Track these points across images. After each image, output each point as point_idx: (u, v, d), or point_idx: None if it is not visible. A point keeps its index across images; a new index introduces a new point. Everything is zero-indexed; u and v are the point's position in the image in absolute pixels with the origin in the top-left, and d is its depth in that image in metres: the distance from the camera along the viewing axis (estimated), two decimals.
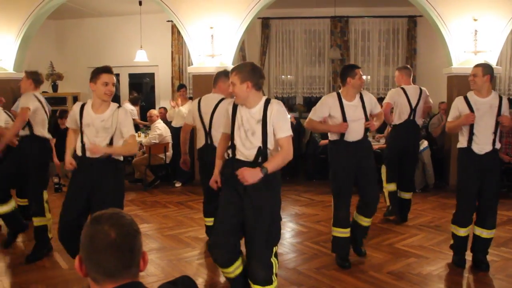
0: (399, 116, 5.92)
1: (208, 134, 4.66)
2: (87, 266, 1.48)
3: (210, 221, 4.66)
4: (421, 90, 5.95)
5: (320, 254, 4.87)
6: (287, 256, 4.84)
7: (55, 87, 10.95)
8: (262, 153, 3.28)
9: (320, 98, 10.16)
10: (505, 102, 4.32)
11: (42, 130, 4.87)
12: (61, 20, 11.17)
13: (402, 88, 5.92)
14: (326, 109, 4.48)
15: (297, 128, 9.06)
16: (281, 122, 3.26)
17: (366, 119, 4.49)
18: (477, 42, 7.10)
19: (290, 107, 10.29)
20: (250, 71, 3.27)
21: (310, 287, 4.10)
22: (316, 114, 4.54)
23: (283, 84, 10.45)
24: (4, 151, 5.33)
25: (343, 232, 4.47)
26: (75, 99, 10.88)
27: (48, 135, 4.98)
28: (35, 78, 4.96)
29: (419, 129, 6.32)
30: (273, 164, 3.21)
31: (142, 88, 12.75)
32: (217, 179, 3.62)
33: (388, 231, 5.62)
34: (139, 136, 8.60)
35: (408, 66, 6.79)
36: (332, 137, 4.59)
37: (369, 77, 10.01)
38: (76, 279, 4.23)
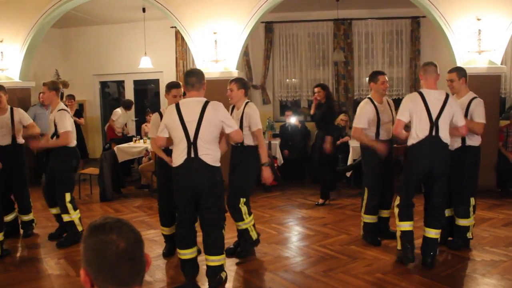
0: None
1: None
2: (97, 277, 1.44)
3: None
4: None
5: (327, 257, 4.85)
6: (294, 259, 4.83)
7: (61, 95, 10.98)
8: None
9: None
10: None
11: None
12: (65, 28, 11.26)
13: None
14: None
15: (303, 131, 9.07)
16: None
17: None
18: (481, 41, 7.07)
19: (295, 111, 10.28)
20: None
21: None
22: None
23: (287, 88, 10.46)
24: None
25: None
26: (81, 106, 10.94)
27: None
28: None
29: None
30: None
31: (147, 94, 12.79)
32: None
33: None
34: (145, 142, 8.62)
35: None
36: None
37: None
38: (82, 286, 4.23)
